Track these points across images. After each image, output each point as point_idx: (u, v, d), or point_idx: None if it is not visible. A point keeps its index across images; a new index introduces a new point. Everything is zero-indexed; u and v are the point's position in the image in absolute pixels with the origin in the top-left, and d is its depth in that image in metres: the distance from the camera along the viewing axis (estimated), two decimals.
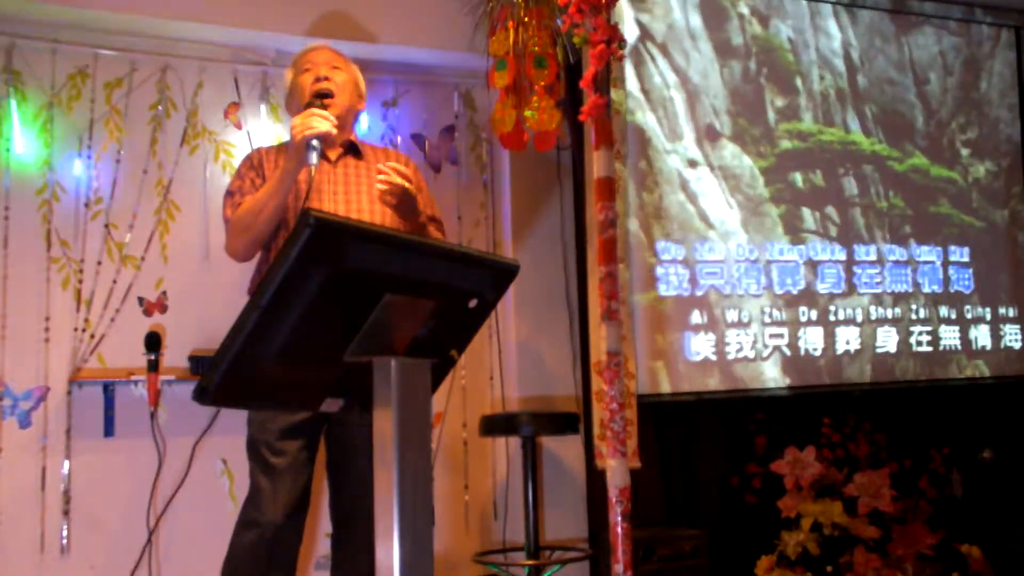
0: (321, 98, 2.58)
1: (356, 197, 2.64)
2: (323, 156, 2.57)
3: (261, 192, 2.54)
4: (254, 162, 2.69)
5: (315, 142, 2.44)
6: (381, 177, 2.47)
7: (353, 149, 2.72)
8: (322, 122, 2.45)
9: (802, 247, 4.04)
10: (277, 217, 2.53)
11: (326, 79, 2.65)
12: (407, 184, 2.48)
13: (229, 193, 2.66)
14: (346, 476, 2.62)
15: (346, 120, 2.70)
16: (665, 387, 3.83)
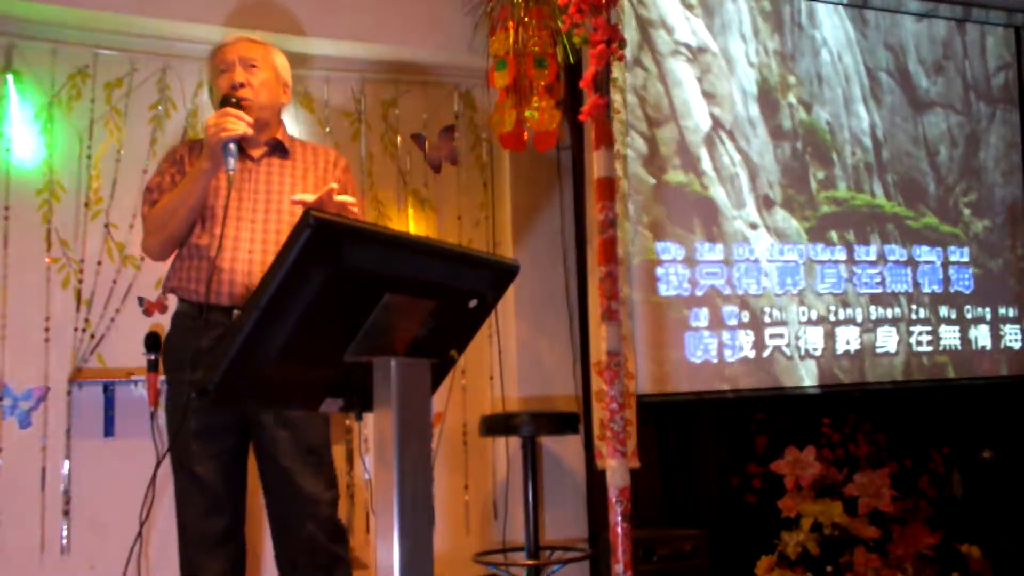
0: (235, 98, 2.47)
1: (278, 198, 2.53)
2: (246, 155, 2.51)
3: (175, 192, 2.46)
4: (176, 158, 2.59)
5: (231, 146, 2.34)
6: (296, 198, 2.40)
7: (279, 148, 2.60)
8: (237, 123, 2.34)
9: (802, 247, 4.06)
10: (192, 217, 2.46)
11: (242, 85, 2.51)
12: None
13: (148, 189, 2.57)
14: (267, 477, 2.52)
15: (269, 118, 2.58)
16: (665, 387, 3.83)
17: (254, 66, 2.56)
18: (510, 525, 3.92)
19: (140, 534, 3.33)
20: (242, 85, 2.51)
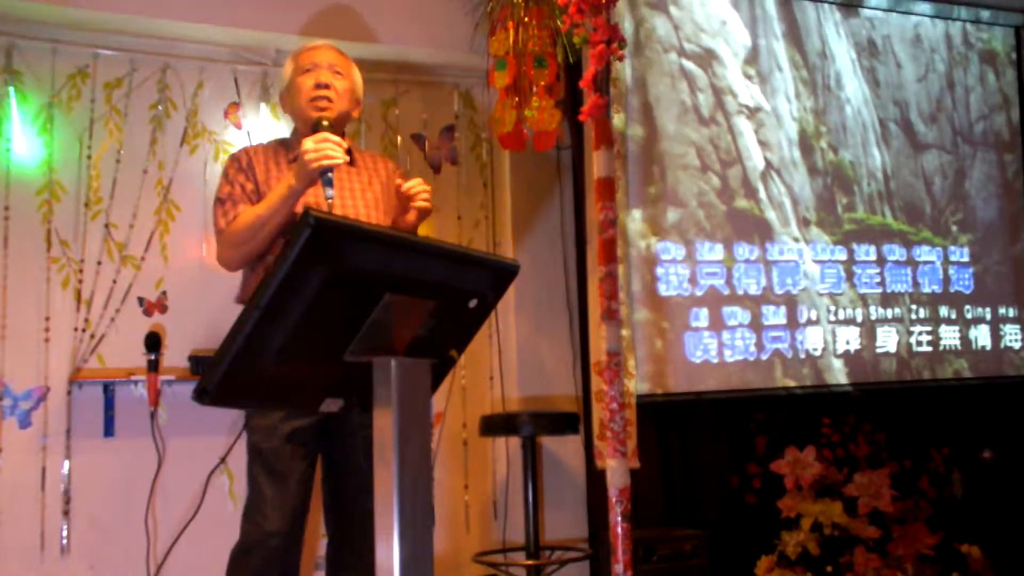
0: (320, 113, 2.53)
1: (352, 203, 2.57)
2: None
3: (262, 208, 2.46)
4: (243, 164, 2.58)
5: (330, 174, 2.37)
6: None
7: (347, 155, 2.63)
8: (337, 151, 2.37)
9: (803, 247, 4.12)
10: (277, 232, 2.47)
11: (326, 86, 2.56)
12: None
13: (220, 201, 2.56)
14: (346, 477, 2.56)
15: (340, 128, 2.62)
16: (665, 387, 3.83)
17: (340, 74, 2.62)
18: (510, 525, 3.92)
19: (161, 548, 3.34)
20: (326, 86, 2.57)
